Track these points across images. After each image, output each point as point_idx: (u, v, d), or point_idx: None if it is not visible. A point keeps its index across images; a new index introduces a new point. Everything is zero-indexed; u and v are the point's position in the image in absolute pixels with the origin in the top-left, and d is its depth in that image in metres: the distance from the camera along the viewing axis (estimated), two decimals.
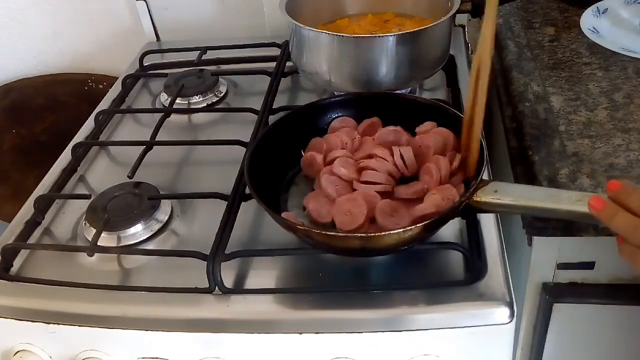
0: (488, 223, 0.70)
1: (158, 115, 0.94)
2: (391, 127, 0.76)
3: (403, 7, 0.98)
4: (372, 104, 0.80)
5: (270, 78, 1.01)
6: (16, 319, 0.69)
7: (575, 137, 0.76)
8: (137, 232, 0.75)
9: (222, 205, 0.74)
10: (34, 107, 1.39)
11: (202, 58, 1.10)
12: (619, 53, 0.90)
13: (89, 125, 0.98)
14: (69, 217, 0.81)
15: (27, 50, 1.36)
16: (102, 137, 0.96)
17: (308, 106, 0.82)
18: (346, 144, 0.75)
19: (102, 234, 0.73)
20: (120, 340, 0.67)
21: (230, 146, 0.85)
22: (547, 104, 0.82)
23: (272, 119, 0.91)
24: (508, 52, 0.95)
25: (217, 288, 0.66)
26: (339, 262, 0.68)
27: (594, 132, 0.76)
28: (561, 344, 0.81)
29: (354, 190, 0.69)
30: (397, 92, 0.88)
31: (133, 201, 0.78)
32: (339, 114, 0.81)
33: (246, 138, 0.86)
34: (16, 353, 0.70)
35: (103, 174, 0.89)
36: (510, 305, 0.61)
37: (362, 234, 0.64)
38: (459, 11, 0.87)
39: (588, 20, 0.98)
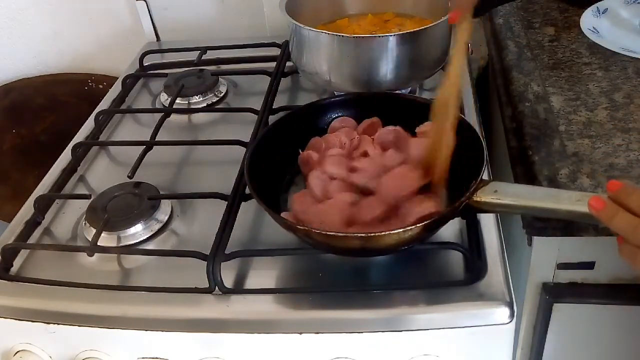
0: (488, 223, 0.70)
1: (158, 115, 0.94)
2: (391, 127, 0.76)
3: (403, 7, 0.98)
4: (372, 104, 0.80)
5: (270, 78, 1.01)
6: (16, 319, 0.69)
7: (575, 137, 0.76)
8: (137, 232, 0.75)
9: (222, 205, 0.74)
10: (34, 107, 1.39)
11: (202, 58, 1.10)
12: (619, 53, 0.90)
13: (89, 125, 0.98)
14: (69, 217, 0.81)
15: (27, 50, 1.36)
16: (102, 137, 0.96)
17: (308, 106, 0.82)
18: (345, 144, 0.75)
19: (102, 234, 0.73)
20: (120, 340, 0.67)
21: (230, 146, 0.85)
22: (547, 104, 0.82)
23: (272, 119, 0.91)
24: (508, 52, 0.95)
25: (217, 288, 0.66)
26: (339, 262, 0.68)
27: (594, 132, 0.76)
28: (561, 344, 0.81)
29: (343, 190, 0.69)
30: (397, 92, 0.88)
31: (133, 201, 0.78)
32: (339, 114, 0.81)
33: (246, 138, 0.86)
34: (16, 353, 0.70)
35: (103, 174, 0.89)
36: (510, 305, 0.61)
37: (362, 234, 0.64)
38: None
39: (588, 20, 0.98)
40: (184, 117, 1.00)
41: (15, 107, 1.39)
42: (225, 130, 0.94)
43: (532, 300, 0.78)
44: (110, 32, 1.33)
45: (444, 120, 0.66)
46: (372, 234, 0.62)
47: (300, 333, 0.64)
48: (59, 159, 0.91)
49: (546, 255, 0.74)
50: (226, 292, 0.66)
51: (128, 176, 0.81)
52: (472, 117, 0.86)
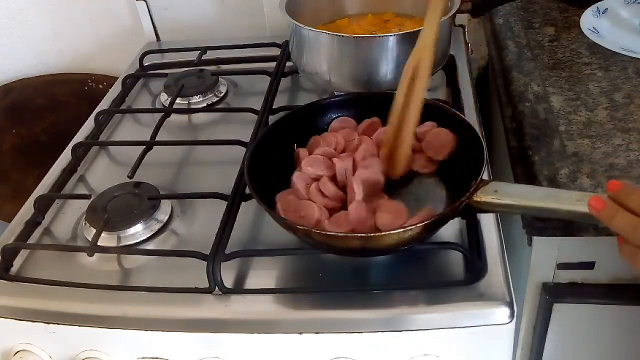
0: (488, 223, 0.70)
1: (158, 115, 0.94)
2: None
3: (403, 7, 0.98)
4: (372, 104, 0.80)
5: (270, 78, 1.01)
6: (16, 319, 0.69)
7: (575, 137, 0.76)
8: (137, 232, 0.75)
9: (222, 205, 0.74)
10: (34, 107, 1.39)
11: (202, 58, 1.10)
12: (619, 53, 0.90)
13: (89, 125, 0.98)
14: (69, 217, 0.81)
15: (27, 50, 1.36)
16: (102, 137, 0.97)
17: (308, 106, 0.82)
18: (340, 143, 0.75)
19: (102, 234, 0.73)
20: (120, 340, 0.67)
21: (230, 146, 0.85)
22: (547, 104, 0.82)
23: (272, 119, 0.91)
24: (508, 52, 0.95)
25: (217, 288, 0.66)
26: (339, 262, 0.68)
27: (594, 132, 0.76)
28: (561, 344, 0.81)
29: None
30: None
31: (133, 201, 0.78)
32: (339, 114, 0.81)
33: (246, 138, 0.86)
34: (16, 353, 0.70)
35: (103, 174, 0.89)
36: (510, 305, 0.61)
37: (362, 234, 0.64)
38: (459, 11, 0.87)
39: (588, 20, 0.98)
40: (184, 117, 1.00)
41: (15, 107, 1.39)
42: (225, 130, 0.94)
43: (532, 300, 0.78)
44: (110, 32, 1.33)
45: (414, 86, 0.68)
46: (372, 234, 0.62)
47: (300, 333, 0.64)
48: (59, 159, 0.91)
49: (546, 255, 0.74)
50: (226, 292, 0.66)
51: (128, 176, 0.81)
52: (472, 117, 0.86)
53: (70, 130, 0.97)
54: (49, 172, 0.89)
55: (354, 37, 0.84)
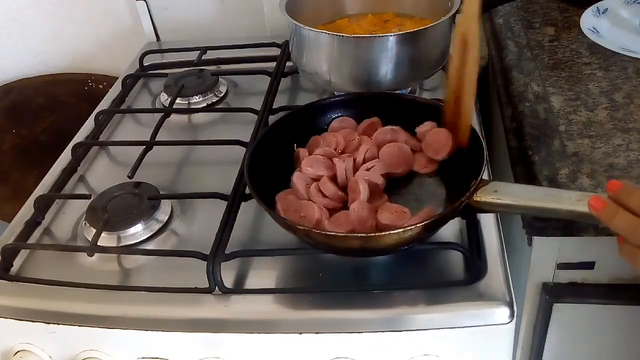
0: (488, 223, 0.70)
1: (158, 115, 0.94)
2: (389, 127, 0.76)
3: (403, 7, 0.98)
4: (372, 104, 0.80)
5: (270, 78, 1.01)
6: (16, 319, 0.69)
7: (575, 137, 0.76)
8: (137, 232, 0.75)
9: (222, 205, 0.74)
10: (34, 107, 1.39)
11: (202, 58, 1.10)
12: (619, 53, 0.90)
13: (89, 125, 0.98)
14: (69, 217, 0.81)
15: (27, 50, 1.36)
16: (102, 137, 0.97)
17: (308, 106, 0.82)
18: (340, 143, 0.75)
19: (102, 234, 0.73)
20: (120, 340, 0.67)
21: (230, 146, 0.85)
22: (547, 104, 0.82)
23: (272, 119, 0.91)
24: (508, 52, 0.95)
25: (217, 288, 0.66)
26: (339, 262, 0.68)
27: (594, 132, 0.76)
28: (561, 344, 0.81)
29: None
30: (397, 92, 0.88)
31: (133, 201, 0.78)
32: (339, 114, 0.81)
33: (246, 138, 0.86)
34: (16, 353, 0.70)
35: (103, 174, 0.89)
36: (510, 305, 0.61)
37: (362, 234, 0.64)
38: (459, 11, 0.87)
39: (588, 20, 0.98)
40: (184, 117, 1.00)
41: (15, 107, 1.39)
42: (225, 130, 0.94)
43: (532, 300, 0.78)
44: (110, 32, 1.33)
45: (465, 57, 0.69)
46: (372, 234, 0.62)
47: (300, 333, 0.64)
48: (59, 159, 0.91)
49: (546, 255, 0.74)
50: (226, 292, 0.66)
51: (128, 176, 0.81)
52: (472, 117, 0.86)
53: (70, 130, 0.97)
54: (49, 172, 0.89)
55: (354, 37, 0.84)
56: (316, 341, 0.64)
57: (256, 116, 0.90)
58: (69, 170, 0.88)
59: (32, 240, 0.78)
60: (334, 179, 0.71)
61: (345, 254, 0.68)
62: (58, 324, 0.68)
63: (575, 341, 0.82)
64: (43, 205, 0.81)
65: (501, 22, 1.03)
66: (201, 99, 1.01)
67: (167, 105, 1.01)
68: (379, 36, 0.83)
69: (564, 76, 0.87)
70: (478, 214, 0.70)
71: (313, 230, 0.62)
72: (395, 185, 0.73)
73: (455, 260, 0.67)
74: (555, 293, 0.76)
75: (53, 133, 1.39)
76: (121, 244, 0.74)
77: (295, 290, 0.67)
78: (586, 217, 0.55)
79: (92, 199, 0.80)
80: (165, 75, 1.07)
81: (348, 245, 0.63)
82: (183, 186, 0.84)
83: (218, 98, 1.02)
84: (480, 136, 0.71)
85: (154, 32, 1.25)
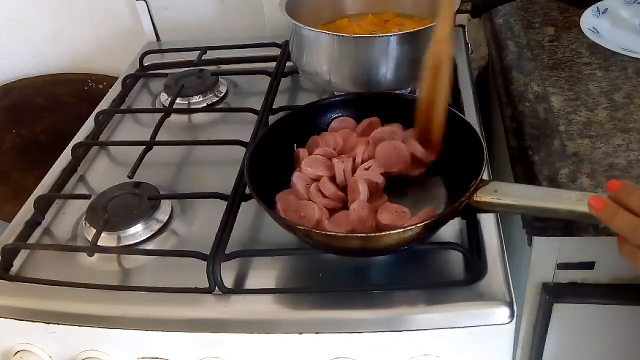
0: (488, 223, 0.70)
1: (158, 115, 0.94)
2: (387, 127, 0.76)
3: (403, 7, 0.98)
4: (372, 104, 0.80)
5: (270, 78, 1.01)
6: (16, 319, 0.69)
7: (575, 137, 0.76)
8: (137, 232, 0.75)
9: (222, 205, 0.74)
10: (34, 107, 1.39)
11: (202, 58, 1.10)
12: (619, 53, 0.90)
13: (89, 125, 0.98)
14: (69, 217, 0.81)
15: (27, 50, 1.36)
16: (102, 137, 0.97)
17: (308, 106, 0.82)
18: (339, 143, 0.75)
19: (102, 234, 0.73)
20: (120, 340, 0.67)
21: (230, 146, 0.85)
22: (547, 104, 0.82)
23: (272, 119, 0.91)
24: (508, 52, 0.95)
25: (217, 288, 0.66)
26: (339, 262, 0.68)
27: (594, 132, 0.76)
28: (561, 344, 0.81)
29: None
30: (397, 92, 0.88)
31: (133, 201, 0.78)
32: (339, 114, 0.81)
33: (246, 138, 0.86)
34: (16, 353, 0.70)
35: (103, 174, 0.89)
36: (510, 305, 0.61)
37: (362, 234, 0.64)
38: (459, 11, 0.87)
39: (588, 20, 0.98)
40: (184, 117, 1.00)
41: (15, 107, 1.39)
42: (225, 130, 0.94)
43: (532, 300, 0.78)
44: (110, 32, 1.33)
45: (437, 81, 0.70)
46: (372, 234, 0.62)
47: (300, 333, 0.64)
48: (59, 159, 0.91)
49: (546, 255, 0.74)
50: (226, 292, 0.66)
51: (128, 176, 0.81)
52: (472, 117, 0.86)
53: (70, 130, 0.97)
54: (49, 172, 0.89)
55: (354, 37, 0.84)
56: (316, 341, 0.64)
57: (256, 116, 0.90)
58: (69, 170, 0.88)
59: (32, 240, 0.78)
60: (333, 179, 0.71)
61: (346, 254, 0.68)
62: (58, 324, 0.68)
63: (575, 341, 0.82)
64: (43, 205, 0.81)
65: (501, 22, 1.03)
66: (201, 99, 1.01)
67: (167, 105, 1.01)
68: (379, 36, 0.83)
69: (564, 76, 0.87)
70: (478, 214, 0.70)
71: (313, 230, 0.62)
72: (395, 185, 0.73)
73: (455, 260, 0.67)
74: (555, 293, 0.76)
75: (53, 133, 1.39)
76: (121, 244, 0.74)
77: (295, 290, 0.67)
78: (586, 217, 0.55)
79: (92, 199, 0.80)
80: (165, 75, 1.07)
81: (348, 245, 0.63)
82: (183, 186, 0.84)
83: (218, 98, 1.02)
84: (480, 136, 0.71)
85: (154, 32, 1.25)
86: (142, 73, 1.13)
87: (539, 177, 0.71)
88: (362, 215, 0.65)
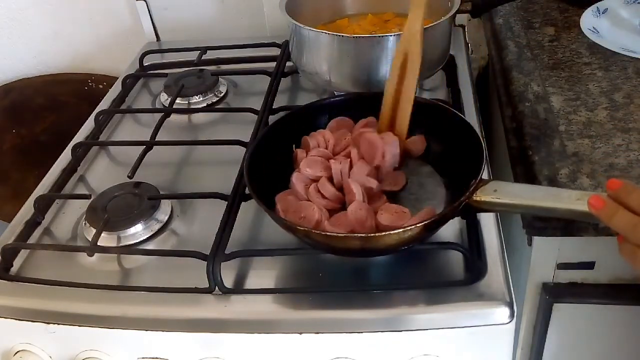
0: (488, 223, 0.70)
1: (158, 115, 0.94)
2: (362, 120, 0.77)
3: (403, 7, 0.97)
4: (372, 104, 0.80)
5: (270, 78, 1.01)
6: (16, 319, 0.69)
7: (575, 137, 0.76)
8: (137, 232, 0.75)
9: (222, 205, 0.74)
10: (34, 107, 1.39)
11: (202, 58, 1.10)
12: (619, 53, 0.90)
13: (89, 125, 0.98)
14: (69, 217, 0.81)
15: (27, 50, 1.36)
16: (102, 137, 0.97)
17: (308, 106, 0.82)
18: (329, 141, 0.75)
19: (102, 234, 0.73)
20: (120, 340, 0.67)
21: (230, 146, 0.85)
22: (547, 104, 0.82)
23: (272, 119, 0.91)
24: (508, 52, 0.95)
25: (217, 288, 0.66)
26: (339, 262, 0.68)
27: (594, 132, 0.76)
28: (561, 344, 0.81)
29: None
30: None
31: (133, 201, 0.78)
32: (339, 114, 0.81)
33: (246, 138, 0.86)
34: (16, 353, 0.70)
35: (103, 174, 0.89)
36: (510, 305, 0.61)
37: (362, 235, 0.64)
38: (459, 11, 0.87)
39: (588, 20, 0.98)
40: (184, 117, 1.00)
41: (15, 107, 1.39)
42: (225, 130, 0.94)
43: (532, 300, 0.78)
44: (110, 32, 1.33)
45: (404, 73, 0.72)
46: (372, 235, 0.62)
47: (300, 333, 0.64)
48: (59, 159, 0.91)
49: (546, 255, 0.74)
50: (226, 292, 0.66)
51: (128, 176, 0.81)
52: (472, 117, 0.86)
53: (70, 130, 0.97)
54: (49, 172, 0.89)
55: (354, 37, 0.84)
56: (316, 341, 0.64)
57: (256, 116, 0.90)
58: (69, 170, 0.88)
59: (32, 240, 0.78)
60: (332, 179, 0.71)
61: (345, 255, 0.68)
62: (58, 324, 0.68)
63: (575, 341, 0.82)
64: (43, 205, 0.81)
65: (501, 22, 1.03)
66: (201, 99, 1.02)
67: (167, 105, 1.01)
68: (379, 36, 0.83)
69: (564, 76, 0.87)
70: (478, 214, 0.70)
71: (313, 230, 0.62)
72: None
73: (455, 260, 0.67)
74: (555, 293, 0.76)
75: (53, 133, 1.39)
76: (121, 244, 0.74)
77: (295, 290, 0.67)
78: (586, 216, 0.55)
79: (92, 199, 0.80)
80: (165, 75, 1.07)
81: (348, 246, 0.63)
82: (183, 186, 0.84)
83: (218, 98, 1.02)
84: (480, 136, 0.71)
85: (154, 32, 1.25)
86: (142, 73, 1.13)
87: (539, 177, 0.71)
88: (360, 216, 0.65)
